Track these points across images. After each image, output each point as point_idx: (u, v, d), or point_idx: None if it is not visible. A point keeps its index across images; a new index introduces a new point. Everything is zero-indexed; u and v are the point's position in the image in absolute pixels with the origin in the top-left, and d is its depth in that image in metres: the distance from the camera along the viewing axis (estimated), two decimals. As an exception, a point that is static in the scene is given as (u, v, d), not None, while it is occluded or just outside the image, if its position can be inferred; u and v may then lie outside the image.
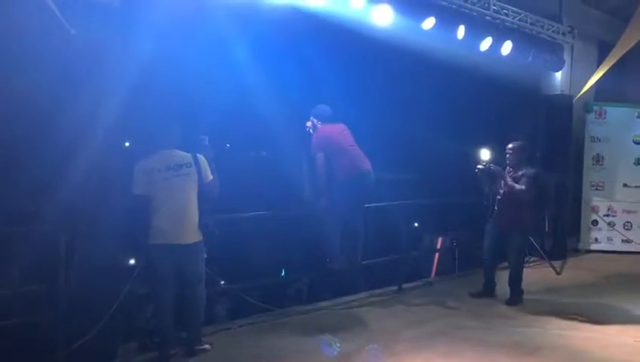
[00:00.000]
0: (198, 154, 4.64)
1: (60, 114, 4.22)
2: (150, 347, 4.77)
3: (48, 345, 4.29)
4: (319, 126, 5.91)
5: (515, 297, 6.48)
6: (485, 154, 6.33)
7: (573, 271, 8.29)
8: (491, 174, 6.32)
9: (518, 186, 6.24)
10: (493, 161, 6.33)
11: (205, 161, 4.67)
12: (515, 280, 6.52)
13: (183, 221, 4.53)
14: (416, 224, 8.83)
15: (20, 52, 4.09)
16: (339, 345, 4.92)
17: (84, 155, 4.23)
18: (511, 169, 6.40)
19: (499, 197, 6.40)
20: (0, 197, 4.33)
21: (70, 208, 4.27)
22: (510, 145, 6.42)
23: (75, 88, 4.27)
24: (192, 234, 4.57)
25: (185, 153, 4.62)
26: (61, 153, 4.19)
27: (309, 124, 6.00)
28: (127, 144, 5.04)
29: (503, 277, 6.68)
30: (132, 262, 5.03)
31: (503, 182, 6.33)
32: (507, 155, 6.43)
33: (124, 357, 4.65)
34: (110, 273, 4.55)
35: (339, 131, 5.93)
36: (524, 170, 6.32)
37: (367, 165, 5.90)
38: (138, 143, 5.04)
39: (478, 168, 6.31)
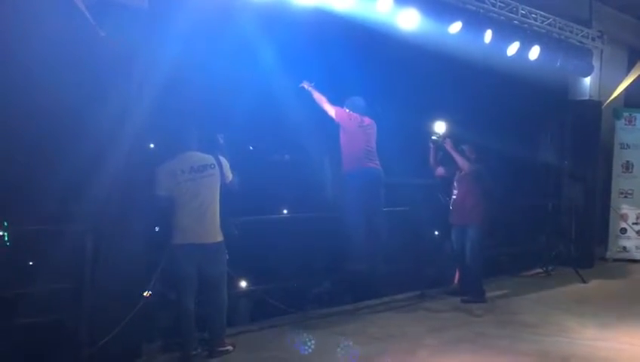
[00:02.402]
0: (219, 156, 4.73)
1: (89, 116, 4.27)
2: (173, 347, 4.80)
3: (73, 342, 4.34)
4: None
5: (473, 295, 6.55)
6: (440, 126, 6.63)
7: (601, 280, 8.14)
8: (441, 147, 6.61)
9: (462, 160, 6.52)
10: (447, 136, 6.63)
11: (226, 162, 4.77)
12: (471, 277, 6.60)
13: (206, 220, 4.61)
14: (438, 231, 8.74)
15: (49, 53, 4.14)
16: (360, 350, 4.89)
17: (112, 157, 4.28)
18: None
19: (454, 197, 6.70)
20: (30, 198, 4.40)
21: (97, 209, 4.32)
22: (464, 146, 6.75)
23: (104, 90, 4.33)
24: (215, 234, 4.66)
25: (206, 155, 4.69)
26: (90, 155, 4.23)
27: None
28: (151, 146, 5.09)
29: (521, 286, 6.56)
30: (156, 262, 5.07)
31: (455, 183, 6.61)
32: None
33: (147, 357, 4.68)
34: (134, 273, 4.58)
35: (359, 124, 6.01)
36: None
37: (372, 164, 6.00)
38: (161, 145, 5.09)
39: (432, 140, 6.66)
